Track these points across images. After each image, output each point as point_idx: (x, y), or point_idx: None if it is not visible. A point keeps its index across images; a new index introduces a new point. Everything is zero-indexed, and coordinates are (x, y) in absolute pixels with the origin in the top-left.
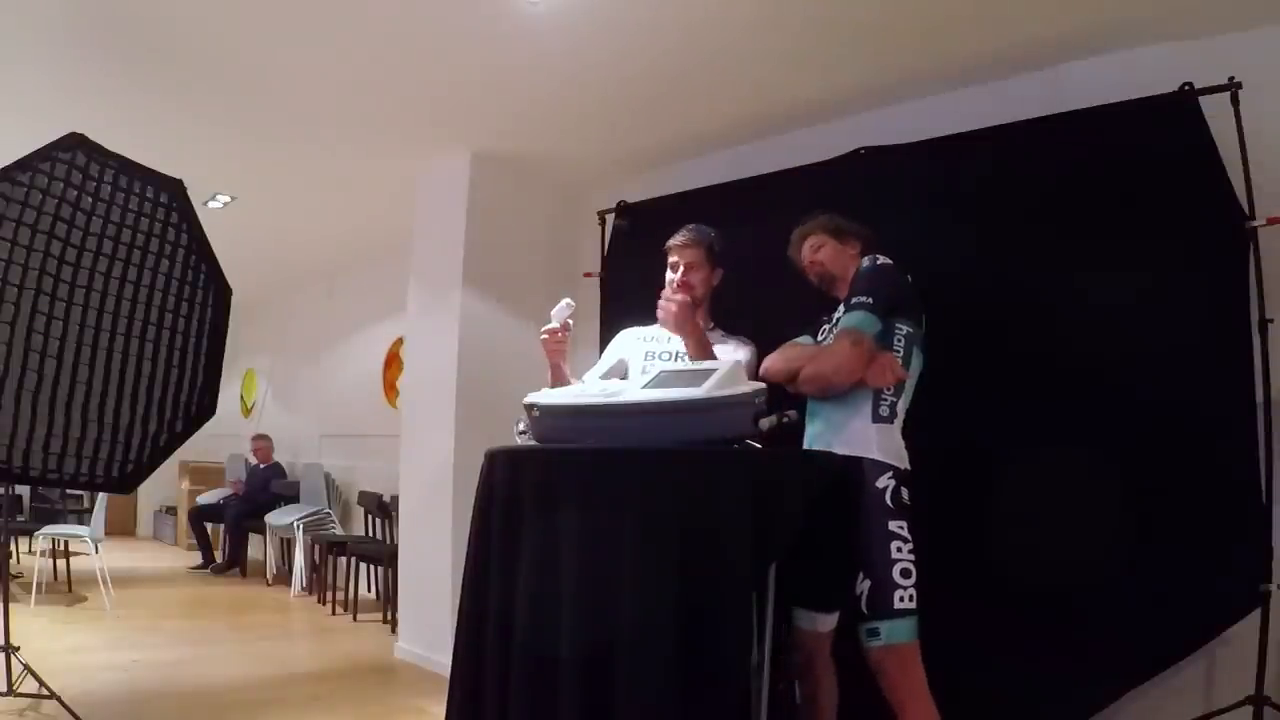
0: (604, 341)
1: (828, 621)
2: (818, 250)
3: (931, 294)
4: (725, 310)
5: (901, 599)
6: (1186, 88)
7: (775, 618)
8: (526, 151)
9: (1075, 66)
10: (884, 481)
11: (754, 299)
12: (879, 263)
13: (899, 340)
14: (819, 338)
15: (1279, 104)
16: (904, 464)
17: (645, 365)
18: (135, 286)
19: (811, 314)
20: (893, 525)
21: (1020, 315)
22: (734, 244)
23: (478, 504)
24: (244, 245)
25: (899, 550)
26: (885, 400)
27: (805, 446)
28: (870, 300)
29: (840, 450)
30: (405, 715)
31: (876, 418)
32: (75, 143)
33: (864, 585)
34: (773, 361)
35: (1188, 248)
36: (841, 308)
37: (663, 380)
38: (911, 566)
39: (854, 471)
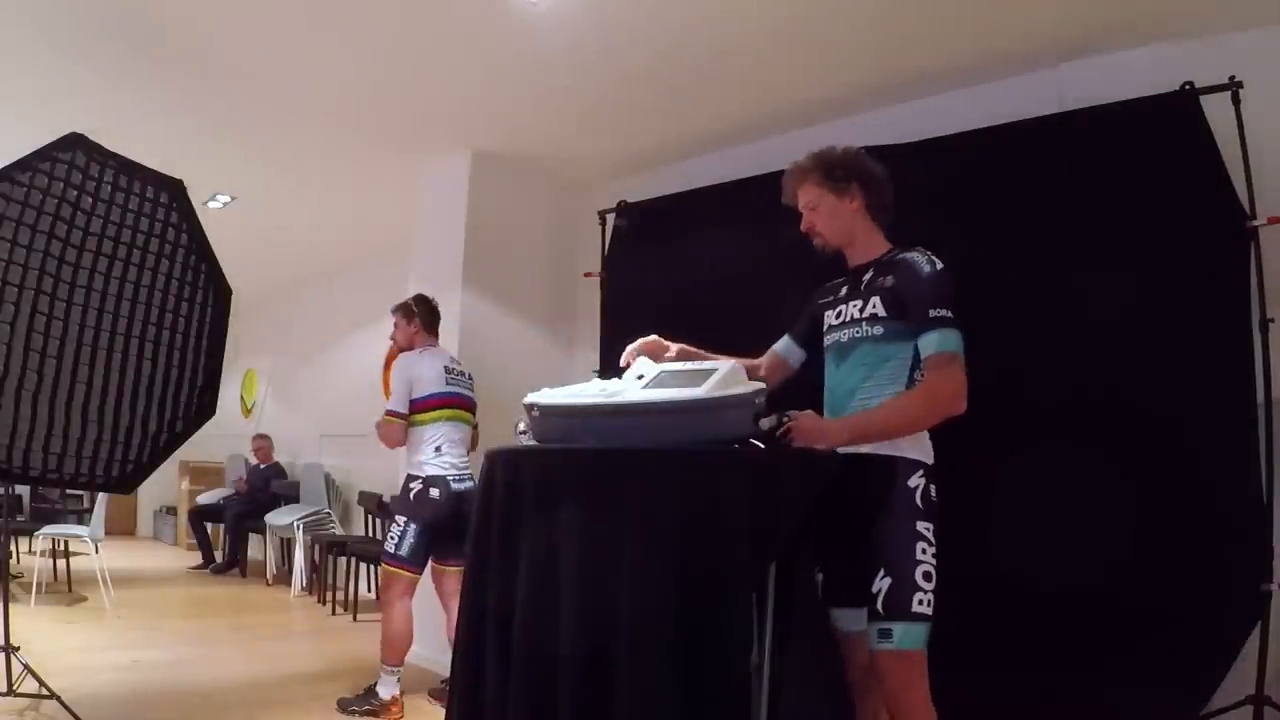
0: (605, 341)
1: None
2: (813, 209)
3: None
4: (725, 310)
5: (920, 602)
6: (1187, 87)
7: (775, 618)
8: (526, 151)
9: (1075, 66)
10: (915, 480)
11: (755, 299)
12: (940, 268)
13: None
14: (835, 315)
15: (1279, 104)
16: (931, 459)
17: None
18: (135, 286)
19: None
20: (920, 526)
21: (1020, 315)
22: (734, 244)
23: (478, 504)
24: (244, 245)
25: (923, 552)
26: None
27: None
28: (951, 314)
29: (872, 449)
30: (405, 715)
31: None
32: (75, 143)
33: (883, 583)
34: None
35: (1188, 248)
36: (879, 301)
37: (663, 380)
38: (933, 571)
39: (884, 471)
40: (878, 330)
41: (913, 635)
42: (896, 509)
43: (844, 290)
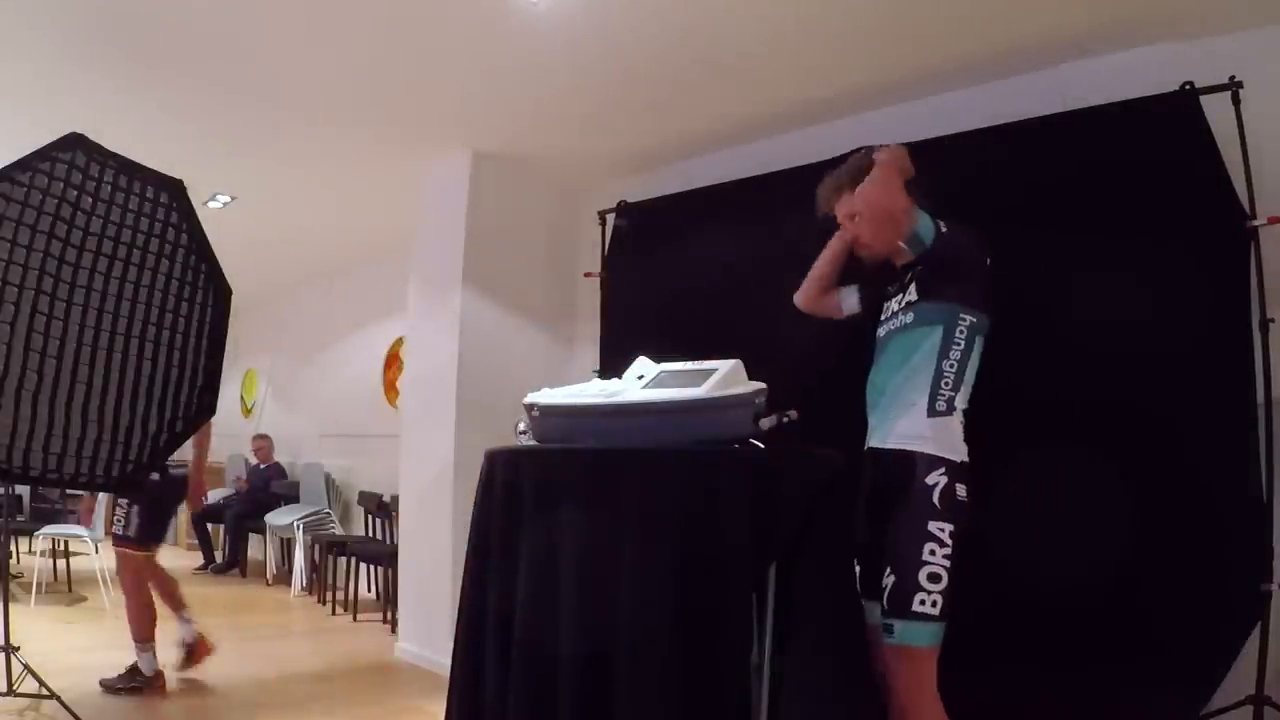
0: (605, 341)
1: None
2: (852, 218)
3: None
4: (725, 310)
5: (922, 603)
6: (1187, 87)
7: (775, 618)
8: (526, 151)
9: (1075, 66)
10: (934, 478)
11: (754, 299)
12: (943, 231)
13: (960, 331)
14: (882, 318)
15: (1279, 104)
16: (960, 457)
17: None
18: (135, 286)
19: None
20: (932, 526)
21: (1018, 315)
22: (734, 244)
23: (477, 504)
24: (244, 245)
25: (931, 553)
26: (942, 395)
27: (867, 441)
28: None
29: (893, 444)
30: (405, 715)
31: (933, 412)
32: (75, 143)
33: (889, 580)
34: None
35: (1188, 248)
36: (914, 287)
37: (663, 380)
38: (943, 572)
39: (902, 467)
40: (909, 317)
41: (912, 633)
42: (910, 506)
43: (895, 286)
